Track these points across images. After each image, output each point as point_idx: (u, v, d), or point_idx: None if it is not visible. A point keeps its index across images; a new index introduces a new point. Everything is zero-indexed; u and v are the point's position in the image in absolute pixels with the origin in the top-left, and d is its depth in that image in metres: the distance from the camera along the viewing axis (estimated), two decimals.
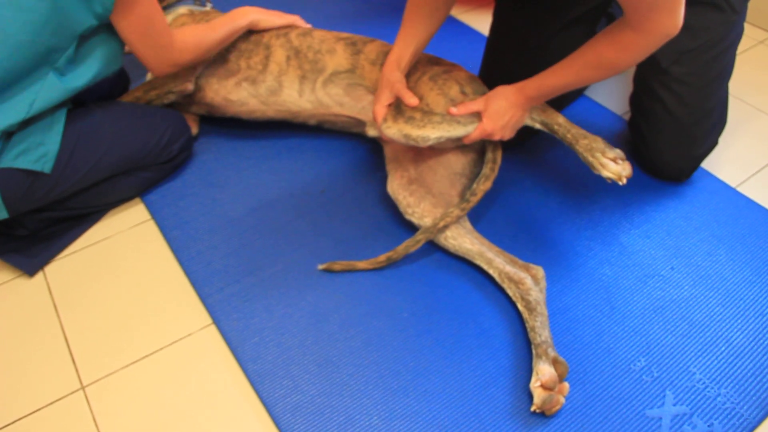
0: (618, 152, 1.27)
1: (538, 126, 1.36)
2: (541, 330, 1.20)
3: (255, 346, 1.25)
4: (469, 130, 1.32)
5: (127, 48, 1.79)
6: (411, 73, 1.42)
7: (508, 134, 1.35)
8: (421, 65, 1.44)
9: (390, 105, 1.37)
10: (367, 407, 1.15)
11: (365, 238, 1.45)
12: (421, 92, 1.36)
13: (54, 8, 1.23)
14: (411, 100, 1.33)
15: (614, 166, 1.26)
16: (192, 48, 1.46)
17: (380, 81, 1.39)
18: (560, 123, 1.33)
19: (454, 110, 1.32)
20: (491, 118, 1.31)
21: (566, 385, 1.14)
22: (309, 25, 1.65)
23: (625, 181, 1.25)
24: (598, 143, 1.28)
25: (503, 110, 1.30)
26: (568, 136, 1.32)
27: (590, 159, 1.28)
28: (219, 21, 1.52)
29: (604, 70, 1.21)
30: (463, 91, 1.37)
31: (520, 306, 1.27)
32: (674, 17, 1.09)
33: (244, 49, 1.58)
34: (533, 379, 1.14)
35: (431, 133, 1.31)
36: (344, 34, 1.58)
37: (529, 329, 1.23)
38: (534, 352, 1.18)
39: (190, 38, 1.45)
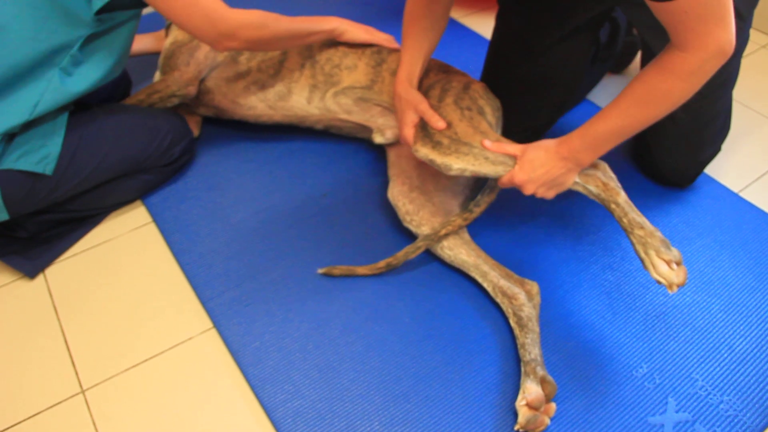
0: (675, 254, 1.11)
1: (592, 197, 1.21)
2: (531, 347, 1.19)
3: (256, 351, 1.24)
4: (499, 171, 1.23)
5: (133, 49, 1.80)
6: (428, 87, 1.38)
7: (542, 191, 1.21)
8: (434, 73, 1.42)
9: (416, 125, 1.32)
10: (368, 412, 1.15)
11: (366, 242, 1.44)
12: (448, 118, 1.29)
13: (54, 4, 1.22)
14: (438, 123, 1.26)
15: (665, 270, 1.10)
16: (256, 26, 1.35)
17: (398, 102, 1.34)
18: (619, 203, 1.17)
19: (488, 144, 1.23)
20: (523, 167, 1.19)
21: (553, 405, 1.13)
22: (388, 37, 1.56)
23: (675, 289, 1.10)
24: (655, 239, 1.12)
25: (539, 161, 1.18)
26: (624, 220, 1.16)
27: (642, 254, 1.13)
28: (302, 18, 1.44)
29: (656, 104, 1.07)
30: (489, 123, 1.32)
31: (512, 321, 1.25)
32: (727, 29, 0.97)
33: None
34: (519, 397, 1.13)
35: (454, 162, 1.24)
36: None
37: (519, 346, 1.21)
38: (522, 369, 1.17)
39: (254, 17, 1.35)
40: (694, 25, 0.95)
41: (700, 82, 1.03)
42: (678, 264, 1.11)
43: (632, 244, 1.15)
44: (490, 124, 1.32)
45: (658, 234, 1.13)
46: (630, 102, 1.08)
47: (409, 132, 1.31)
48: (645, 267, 1.12)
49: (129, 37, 1.38)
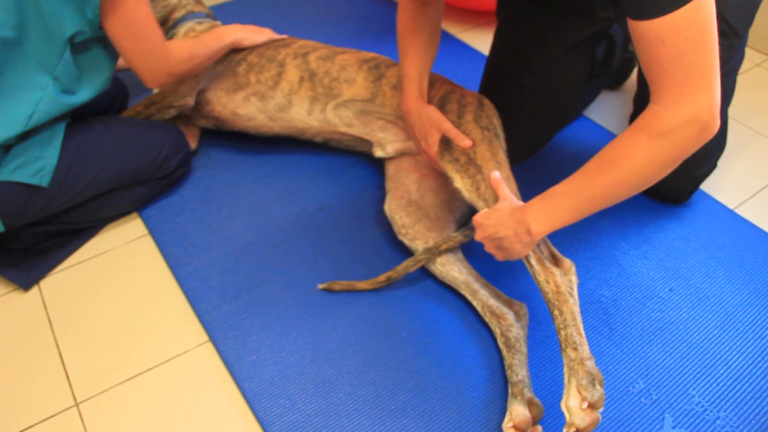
0: (595, 395, 0.96)
1: (542, 293, 1.12)
2: (518, 368, 1.18)
3: (252, 365, 1.24)
4: (479, 205, 1.23)
5: (123, 64, 1.80)
6: (442, 100, 1.38)
7: (489, 246, 1.15)
8: (439, 84, 1.43)
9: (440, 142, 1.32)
10: (364, 428, 1.14)
11: (364, 256, 1.44)
12: (470, 137, 1.29)
13: (37, 7, 1.22)
14: (465, 142, 1.27)
15: (574, 406, 0.97)
16: (187, 59, 1.44)
17: (415, 119, 1.35)
18: (563, 312, 1.07)
19: (495, 176, 1.21)
20: (487, 213, 1.15)
21: (539, 428, 1.11)
22: (282, 36, 1.64)
23: (572, 430, 0.96)
24: (582, 368, 0.99)
25: (498, 213, 1.12)
26: (562, 333, 1.05)
27: (565, 378, 1.01)
28: (206, 37, 1.52)
29: (618, 164, 0.95)
30: (503, 148, 1.33)
31: (499, 342, 1.24)
32: (708, 89, 0.88)
33: (255, 63, 1.58)
34: (506, 419, 1.11)
35: (456, 181, 1.27)
36: (369, 55, 1.56)
37: (506, 367, 1.20)
38: (510, 391, 1.16)
39: (184, 50, 1.44)
40: (670, 64, 0.88)
41: (671, 151, 0.92)
42: (592, 407, 0.96)
43: (564, 361, 1.04)
44: (504, 150, 1.33)
45: (589, 364, 1.00)
46: (594, 161, 0.99)
47: (435, 152, 1.32)
48: (564, 392, 1.01)
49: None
